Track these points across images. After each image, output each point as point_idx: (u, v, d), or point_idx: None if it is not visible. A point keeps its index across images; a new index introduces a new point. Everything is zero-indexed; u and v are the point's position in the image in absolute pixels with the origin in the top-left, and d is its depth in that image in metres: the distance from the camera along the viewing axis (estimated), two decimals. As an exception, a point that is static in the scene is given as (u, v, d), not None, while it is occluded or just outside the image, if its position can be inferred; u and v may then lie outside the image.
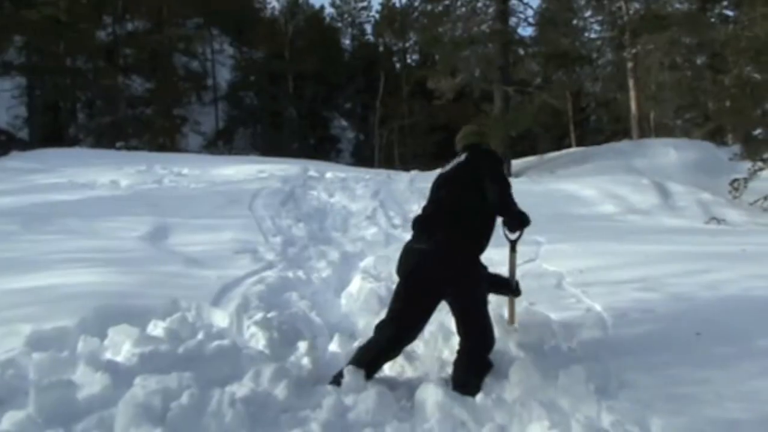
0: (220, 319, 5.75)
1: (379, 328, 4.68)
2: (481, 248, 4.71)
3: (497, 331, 4.76)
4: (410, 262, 4.64)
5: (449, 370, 4.60)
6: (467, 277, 4.60)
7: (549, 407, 3.93)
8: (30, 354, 4.65)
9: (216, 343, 4.99)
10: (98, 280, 6.58)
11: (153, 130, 35.52)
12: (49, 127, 30.88)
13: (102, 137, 32.51)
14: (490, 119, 24.05)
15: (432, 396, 4.12)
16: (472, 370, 4.48)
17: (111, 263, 7.39)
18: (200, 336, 5.21)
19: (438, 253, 4.52)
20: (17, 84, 31.05)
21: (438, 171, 5.11)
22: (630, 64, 29.59)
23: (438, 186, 4.95)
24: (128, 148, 29.48)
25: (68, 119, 33.19)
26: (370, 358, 4.59)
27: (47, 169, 16.09)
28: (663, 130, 33.99)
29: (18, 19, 25.79)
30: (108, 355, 4.87)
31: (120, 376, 4.29)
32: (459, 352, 4.59)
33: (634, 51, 28.99)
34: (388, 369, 4.81)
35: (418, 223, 4.78)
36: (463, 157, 4.92)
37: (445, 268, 4.53)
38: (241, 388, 4.23)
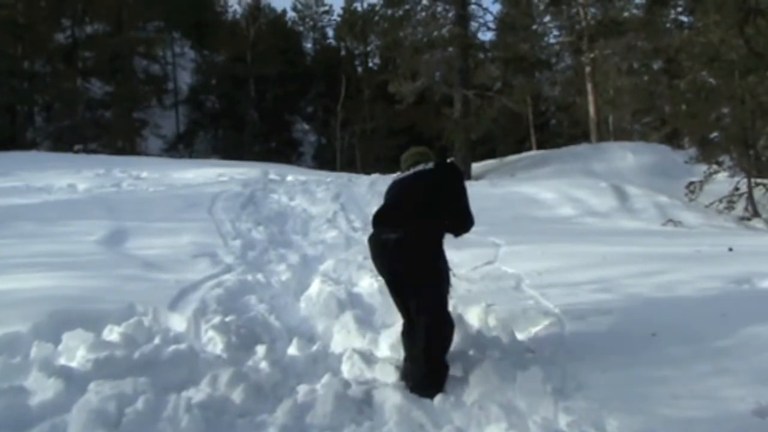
0: (178, 323, 5.70)
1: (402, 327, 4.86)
2: (441, 244, 4.78)
3: (456, 334, 4.78)
4: (382, 254, 4.72)
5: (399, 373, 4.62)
6: (432, 268, 4.68)
7: (507, 409, 3.95)
8: (-19, 360, 4.59)
9: (173, 347, 4.95)
10: (53, 285, 6.49)
11: (112, 133, 35.17)
12: (6, 131, 30.34)
13: (60, 140, 32.10)
14: (451, 122, 24.17)
15: (390, 398, 4.13)
16: (430, 371, 4.48)
17: (67, 267, 7.29)
18: (157, 341, 5.16)
19: (405, 241, 4.58)
20: (-27, 87, 30.58)
21: (395, 176, 5.11)
22: (588, 69, 29.94)
23: (397, 187, 4.97)
24: (87, 151, 29.17)
25: (25, 122, 32.72)
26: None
27: (3, 173, 15.84)
28: (621, 134, 34.45)
29: (-26, 21, 25.47)
30: (62, 361, 4.81)
31: (74, 381, 4.24)
32: (416, 352, 4.59)
33: (592, 56, 29.32)
34: (347, 372, 4.80)
35: (382, 215, 4.82)
36: (430, 164, 4.92)
37: (411, 255, 4.60)
38: (197, 393, 4.21)
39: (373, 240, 4.79)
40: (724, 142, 17.70)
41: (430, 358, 4.50)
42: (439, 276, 4.73)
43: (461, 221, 4.89)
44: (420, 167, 4.91)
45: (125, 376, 4.27)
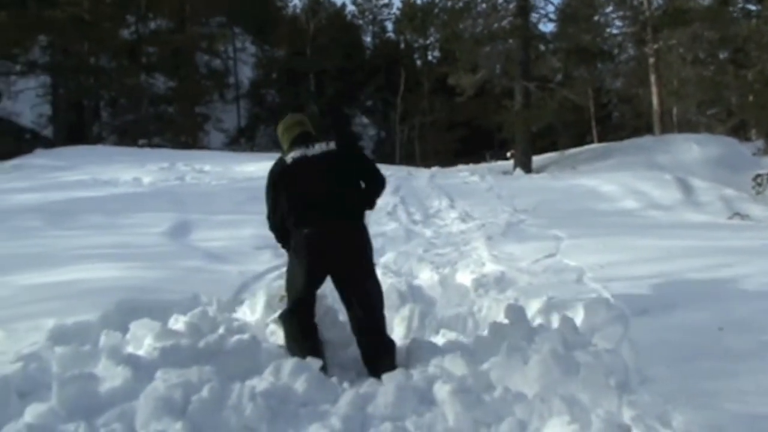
0: (241, 313, 5.77)
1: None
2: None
3: (517, 327, 4.76)
4: (328, 247, 4.82)
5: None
6: (368, 255, 5.04)
7: (569, 402, 3.91)
8: (53, 348, 4.71)
9: (236, 337, 5.01)
10: (120, 275, 6.64)
11: (175, 127, 35.70)
12: (73, 125, 31.04)
13: (125, 135, 32.71)
14: (511, 115, 24.00)
15: (452, 390, 4.11)
16: (388, 348, 4.86)
17: (133, 259, 7.45)
18: (221, 330, 5.23)
19: (350, 231, 4.92)
20: (42, 83, 31.27)
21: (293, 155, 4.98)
22: (652, 60, 29.33)
23: (312, 175, 4.90)
24: (151, 145, 29.66)
25: (92, 117, 33.41)
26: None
27: (71, 166, 16.22)
28: (685, 126, 33.72)
29: (42, 19, 25.92)
30: (129, 349, 4.92)
31: (141, 369, 4.32)
32: (365, 332, 4.87)
33: (655, 46, 28.74)
34: (408, 363, 4.81)
35: (316, 210, 4.84)
36: (333, 145, 4.95)
37: (357, 244, 4.95)
38: (261, 382, 4.25)
39: (314, 235, 4.80)
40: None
41: (385, 334, 5.02)
42: (372, 260, 5.11)
43: (377, 187, 5.17)
44: (322, 147, 4.93)
45: (191, 364, 4.34)
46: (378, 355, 4.80)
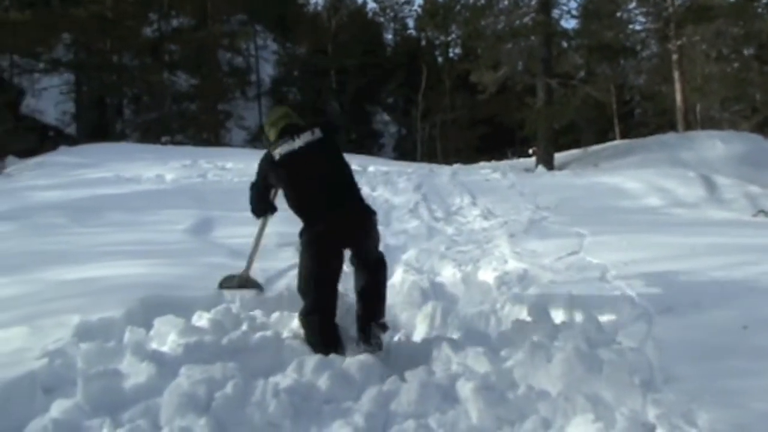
0: (264, 310, 5.79)
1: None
2: None
3: (540, 324, 4.74)
4: (345, 232, 5.06)
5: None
6: (375, 228, 5.32)
7: (593, 400, 3.89)
8: (78, 344, 4.74)
9: (260, 334, 5.05)
10: (144, 272, 6.67)
11: (197, 125, 35.85)
12: (96, 123, 31.26)
13: (148, 132, 32.86)
14: (533, 112, 23.91)
15: (475, 387, 4.10)
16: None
17: (156, 255, 7.48)
18: (244, 327, 5.26)
19: (359, 214, 5.13)
20: (65, 80, 31.49)
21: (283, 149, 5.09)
22: (675, 56, 29.09)
23: (308, 166, 5.02)
24: (173, 143, 29.80)
25: (115, 115, 33.62)
26: None
27: (94, 163, 16.29)
28: (709, 123, 33.43)
29: (66, 17, 26.14)
30: (154, 346, 4.95)
31: (165, 366, 4.35)
32: (369, 285, 5.21)
33: (679, 43, 28.51)
34: (431, 360, 4.80)
35: (310, 208, 5.04)
36: (318, 133, 5.06)
37: (367, 223, 5.19)
38: (284, 379, 4.27)
39: (323, 232, 4.96)
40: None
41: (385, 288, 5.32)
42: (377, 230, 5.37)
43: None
44: (306, 137, 5.03)
45: (214, 361, 4.37)
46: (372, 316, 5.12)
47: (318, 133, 5.05)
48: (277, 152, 5.04)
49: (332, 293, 5.08)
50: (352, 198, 5.10)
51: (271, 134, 5.26)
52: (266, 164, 5.21)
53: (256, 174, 5.36)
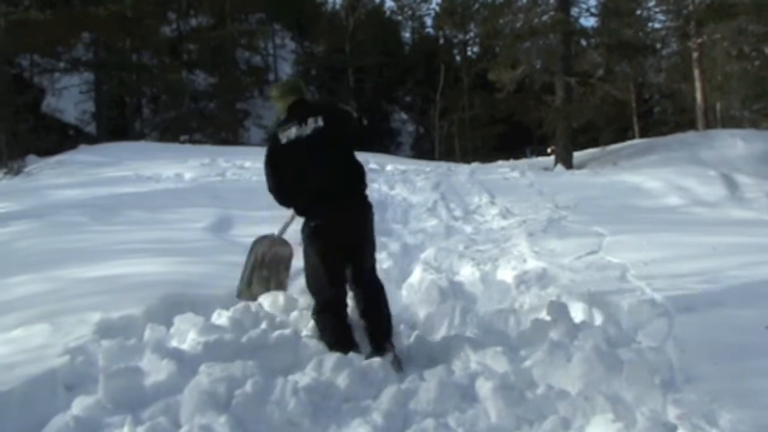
0: (283, 309, 5.81)
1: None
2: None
3: (560, 324, 4.73)
4: (345, 223, 5.01)
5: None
6: (372, 228, 5.24)
7: (613, 400, 3.88)
8: (99, 341, 4.79)
9: (278, 332, 5.07)
10: (164, 270, 6.70)
11: (216, 124, 35.94)
12: (116, 122, 31.44)
13: (166, 131, 32.99)
14: (552, 110, 23.80)
15: (494, 386, 4.10)
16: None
17: (176, 253, 7.52)
18: (263, 325, 5.29)
19: (358, 204, 5.09)
20: (85, 80, 31.63)
21: (287, 137, 5.04)
22: (695, 54, 28.89)
23: (304, 155, 4.97)
24: (192, 141, 29.92)
25: (134, 114, 33.80)
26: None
27: (114, 162, 16.40)
28: (729, 121, 33.23)
29: (86, 16, 26.24)
30: (174, 343, 4.98)
31: (185, 363, 4.38)
32: (372, 308, 5.13)
33: (699, 41, 28.30)
34: (450, 359, 4.79)
35: (311, 200, 4.98)
36: (320, 121, 5.01)
37: (366, 215, 5.14)
38: (303, 377, 4.29)
39: (323, 224, 4.93)
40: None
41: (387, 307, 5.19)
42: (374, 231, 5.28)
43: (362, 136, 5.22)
44: (312, 124, 4.99)
45: (234, 359, 4.39)
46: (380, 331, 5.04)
47: (320, 121, 5.01)
48: (284, 136, 5.03)
49: (341, 289, 5.09)
50: (353, 191, 5.05)
51: (280, 107, 5.28)
52: (271, 146, 5.16)
53: (265, 173, 5.20)
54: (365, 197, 5.13)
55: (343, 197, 4.95)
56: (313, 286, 5.12)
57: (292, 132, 4.99)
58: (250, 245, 6.36)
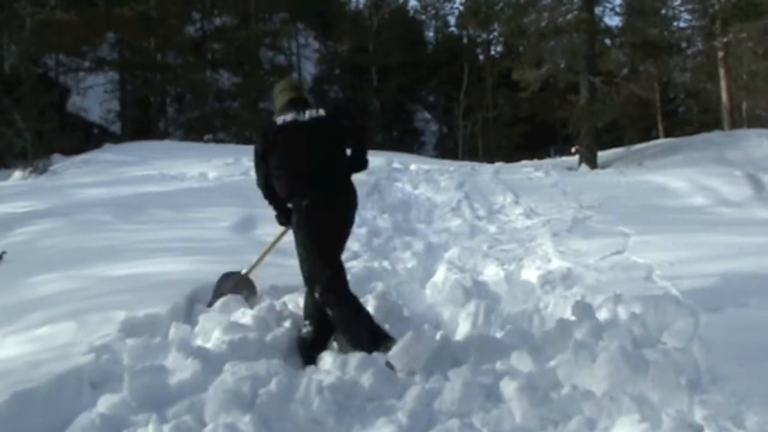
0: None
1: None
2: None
3: (585, 324, 4.70)
4: (336, 210, 5.11)
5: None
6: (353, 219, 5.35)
7: (639, 400, 3.85)
8: (124, 340, 4.82)
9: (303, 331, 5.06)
10: (188, 269, 6.74)
11: (240, 123, 36.05)
12: (140, 121, 31.61)
13: (191, 130, 33.12)
14: (576, 110, 23.69)
15: (519, 386, 4.08)
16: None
17: (201, 252, 7.56)
18: (287, 324, 5.28)
19: (347, 195, 5.17)
20: (110, 79, 31.84)
21: (283, 119, 5.12)
22: (721, 54, 28.65)
23: (298, 139, 5.05)
24: (216, 141, 30.02)
25: (158, 113, 33.95)
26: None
27: (138, 161, 16.49)
28: (755, 121, 32.90)
29: (111, 17, 26.43)
30: (198, 342, 5.01)
31: (210, 362, 4.39)
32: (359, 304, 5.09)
33: (725, 40, 28.06)
34: (475, 359, 4.77)
35: (300, 182, 5.01)
36: (321, 112, 5.12)
37: (352, 208, 5.24)
38: (328, 376, 4.28)
39: (312, 207, 4.97)
40: None
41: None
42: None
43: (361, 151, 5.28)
44: (312, 114, 5.08)
45: (258, 357, 4.41)
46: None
47: (321, 113, 5.12)
48: (282, 118, 5.11)
49: (337, 268, 5.09)
50: (341, 179, 5.14)
51: (280, 99, 5.33)
52: (267, 135, 5.18)
53: (255, 165, 5.32)
54: (350, 183, 5.22)
55: (332, 181, 5.04)
56: (310, 272, 5.09)
57: (289, 116, 5.09)
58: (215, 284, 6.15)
